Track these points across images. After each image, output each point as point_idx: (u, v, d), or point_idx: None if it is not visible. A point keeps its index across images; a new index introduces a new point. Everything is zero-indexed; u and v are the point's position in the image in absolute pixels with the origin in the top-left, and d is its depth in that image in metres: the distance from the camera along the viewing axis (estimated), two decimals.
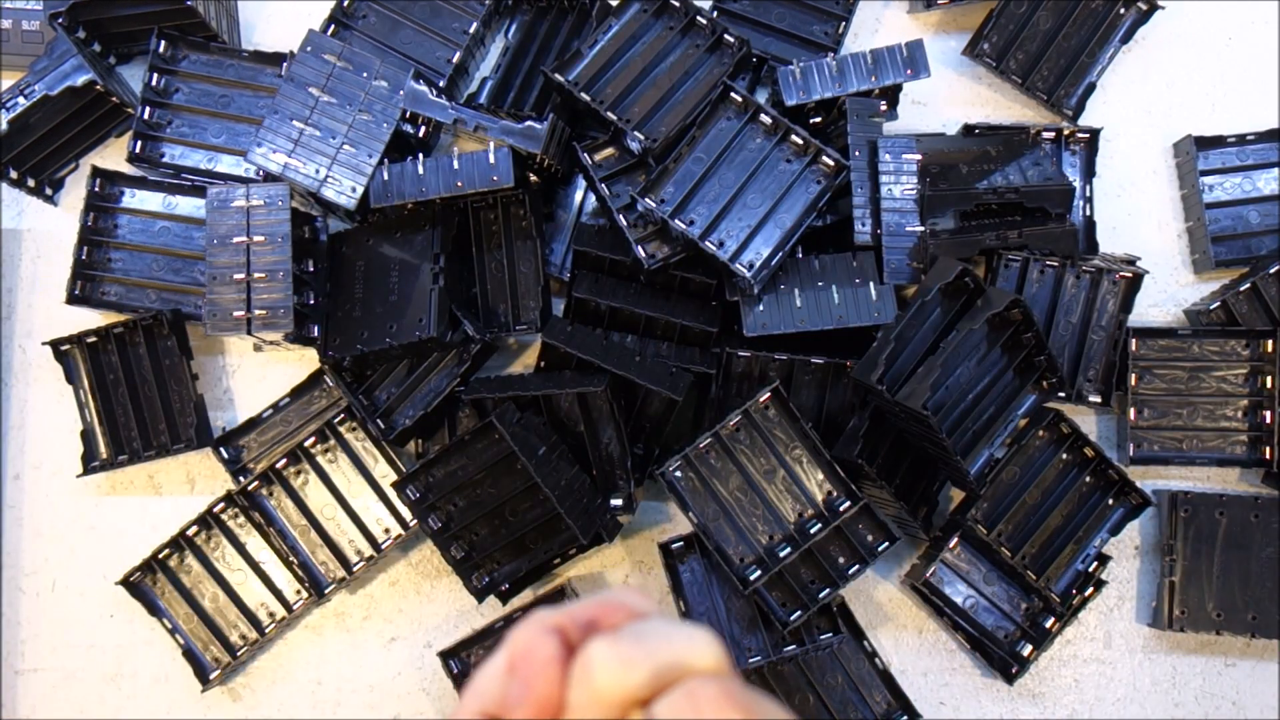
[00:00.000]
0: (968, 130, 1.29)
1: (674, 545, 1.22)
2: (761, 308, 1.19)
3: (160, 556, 1.26)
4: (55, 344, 1.27)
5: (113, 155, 1.36)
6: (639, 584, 1.28)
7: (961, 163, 1.23)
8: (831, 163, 1.19)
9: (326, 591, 1.25)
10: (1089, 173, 1.31)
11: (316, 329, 1.23)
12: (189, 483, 1.32)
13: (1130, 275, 1.23)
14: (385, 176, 1.20)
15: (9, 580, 1.30)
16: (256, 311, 1.17)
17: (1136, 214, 1.35)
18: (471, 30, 1.32)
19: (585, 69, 1.23)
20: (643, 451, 1.24)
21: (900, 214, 1.21)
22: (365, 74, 1.21)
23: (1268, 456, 1.23)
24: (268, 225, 1.18)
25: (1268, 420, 1.23)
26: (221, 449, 1.29)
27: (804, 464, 1.17)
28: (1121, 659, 1.27)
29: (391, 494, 1.26)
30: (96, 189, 1.28)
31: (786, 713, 0.45)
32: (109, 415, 1.27)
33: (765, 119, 1.20)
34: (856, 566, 1.16)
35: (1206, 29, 1.39)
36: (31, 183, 1.33)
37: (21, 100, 1.25)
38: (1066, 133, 1.30)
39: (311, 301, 1.23)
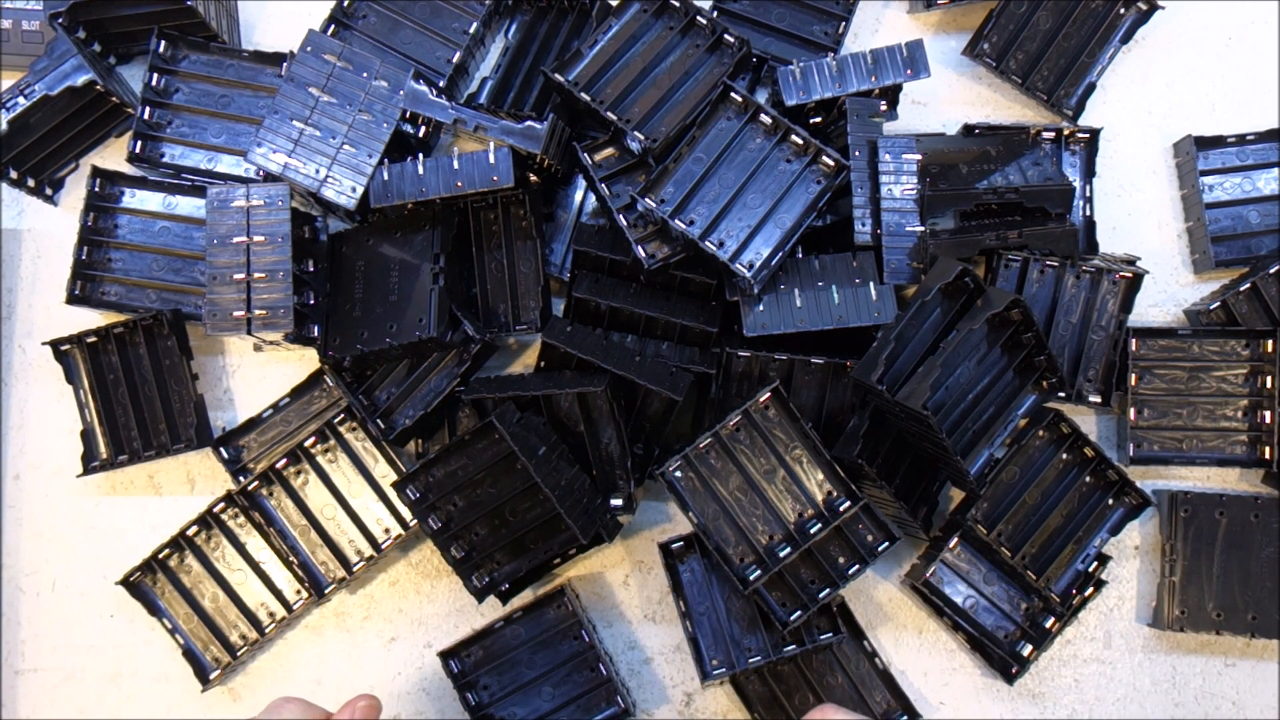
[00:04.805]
0: (968, 130, 1.29)
1: (674, 545, 1.22)
2: (761, 308, 1.19)
3: (160, 556, 1.26)
4: (55, 344, 1.27)
5: (113, 155, 1.36)
6: (639, 584, 1.28)
7: (961, 163, 1.23)
8: (831, 163, 1.19)
9: (326, 591, 1.25)
10: (1089, 173, 1.31)
11: (316, 329, 1.23)
12: (189, 483, 1.32)
13: (1130, 275, 1.23)
14: (385, 176, 1.20)
15: (9, 580, 1.30)
16: (256, 311, 1.17)
17: (1136, 214, 1.35)
18: (471, 30, 1.32)
19: (585, 69, 1.23)
20: (643, 451, 1.24)
21: (900, 214, 1.21)
22: (365, 74, 1.21)
23: (1267, 456, 1.23)
24: (268, 225, 1.18)
25: (1268, 420, 1.23)
26: (221, 449, 1.29)
27: (804, 464, 1.17)
28: (1121, 659, 1.27)
29: (391, 494, 1.26)
30: (96, 189, 1.28)
31: None
32: (109, 415, 1.27)
33: (765, 119, 1.20)
34: (856, 566, 1.16)
35: (1206, 29, 1.39)
36: (31, 183, 1.33)
37: (21, 100, 1.25)
38: (1066, 133, 1.30)
39: (311, 301, 1.23)
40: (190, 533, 1.26)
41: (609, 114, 1.21)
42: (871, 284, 1.19)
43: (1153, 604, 1.27)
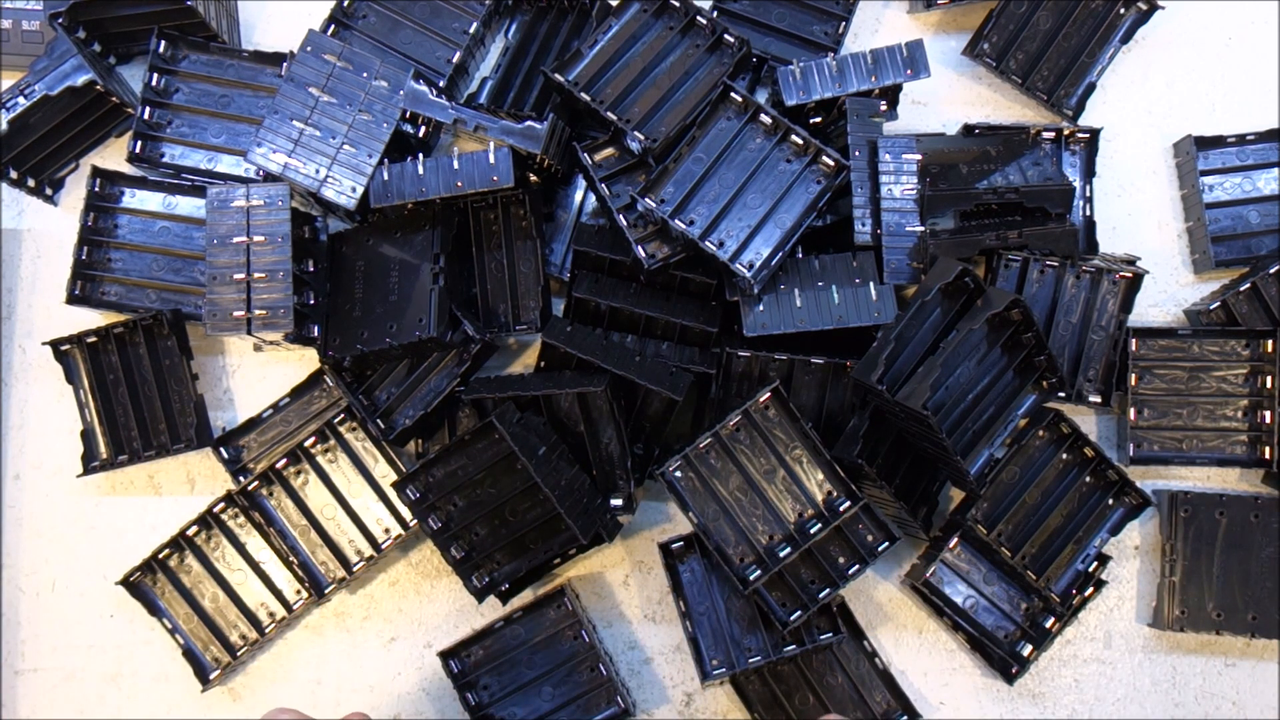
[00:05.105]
0: (968, 130, 1.29)
1: (674, 545, 1.22)
2: (761, 308, 1.19)
3: (160, 556, 1.26)
4: (55, 344, 1.27)
5: (113, 155, 1.36)
6: (639, 584, 1.28)
7: (961, 163, 1.23)
8: (831, 163, 1.19)
9: (326, 591, 1.25)
10: (1089, 173, 1.31)
11: (316, 329, 1.23)
12: (189, 483, 1.32)
13: (1130, 275, 1.23)
14: (385, 176, 1.20)
15: (9, 580, 1.30)
16: (256, 311, 1.17)
17: (1136, 214, 1.35)
18: (471, 30, 1.32)
19: (585, 69, 1.23)
20: (643, 451, 1.24)
21: (900, 214, 1.21)
22: (365, 74, 1.21)
23: (1267, 456, 1.23)
24: (268, 225, 1.18)
25: (1267, 420, 1.23)
26: (221, 449, 1.29)
27: (804, 464, 1.17)
28: (1121, 659, 1.27)
29: (391, 494, 1.26)
30: (96, 189, 1.28)
31: None
32: (109, 415, 1.27)
33: (765, 119, 1.20)
34: (856, 566, 1.16)
35: (1206, 29, 1.39)
36: (31, 183, 1.33)
37: (21, 100, 1.25)
38: (1066, 133, 1.30)
39: (311, 301, 1.23)
40: (190, 533, 1.26)
41: (609, 114, 1.21)
42: (871, 284, 1.19)
43: (1153, 604, 1.27)
